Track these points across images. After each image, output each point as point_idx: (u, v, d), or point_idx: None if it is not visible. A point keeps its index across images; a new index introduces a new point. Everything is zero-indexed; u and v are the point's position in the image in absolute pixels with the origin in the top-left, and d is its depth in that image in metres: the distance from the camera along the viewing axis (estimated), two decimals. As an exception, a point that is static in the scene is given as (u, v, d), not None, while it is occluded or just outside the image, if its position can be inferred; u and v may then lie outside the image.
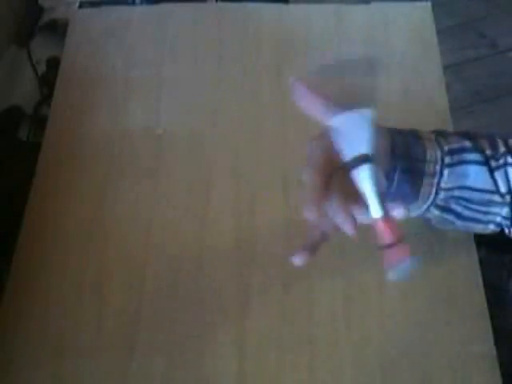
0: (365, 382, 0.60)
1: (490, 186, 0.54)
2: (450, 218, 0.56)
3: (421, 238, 0.67)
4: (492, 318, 0.61)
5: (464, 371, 0.59)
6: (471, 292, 0.63)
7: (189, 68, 0.81)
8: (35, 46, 0.88)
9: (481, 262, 0.65)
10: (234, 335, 0.62)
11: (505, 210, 0.55)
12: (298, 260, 0.50)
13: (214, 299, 0.64)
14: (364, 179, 0.46)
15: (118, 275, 0.66)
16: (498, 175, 0.54)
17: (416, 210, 0.57)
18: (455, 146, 0.54)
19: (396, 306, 0.63)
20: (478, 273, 0.64)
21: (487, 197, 0.55)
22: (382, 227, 0.46)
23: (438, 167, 0.53)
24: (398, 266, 0.47)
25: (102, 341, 0.62)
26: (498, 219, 0.56)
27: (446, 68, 0.81)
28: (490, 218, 0.56)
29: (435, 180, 0.53)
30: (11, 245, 0.68)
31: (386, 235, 0.46)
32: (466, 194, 0.54)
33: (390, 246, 0.46)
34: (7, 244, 0.68)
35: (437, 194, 0.54)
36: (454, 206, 0.55)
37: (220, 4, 0.94)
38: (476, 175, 0.54)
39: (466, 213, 0.56)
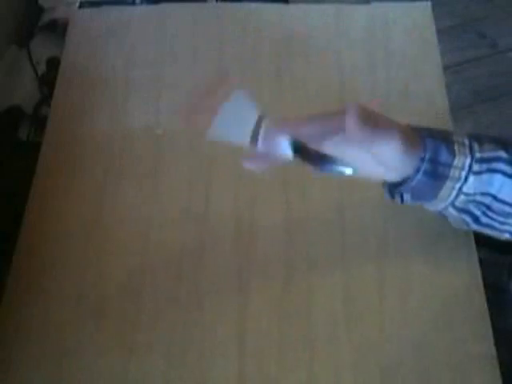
0: (365, 382, 0.60)
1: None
2: (467, 219, 0.56)
3: (421, 238, 0.67)
4: (492, 318, 0.61)
5: (464, 371, 0.59)
6: (471, 292, 0.63)
7: (189, 68, 0.81)
8: (35, 46, 0.88)
9: (481, 262, 0.65)
10: (234, 335, 0.62)
11: None
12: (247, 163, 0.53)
13: (214, 299, 0.64)
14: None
15: (118, 275, 0.66)
16: None
17: (432, 207, 0.56)
18: (489, 154, 0.53)
19: (396, 306, 0.63)
20: (478, 273, 0.64)
21: (508, 209, 0.54)
22: None
23: (463, 173, 0.52)
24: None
25: (101, 341, 0.62)
26: None
27: (446, 68, 0.81)
28: (506, 227, 0.56)
29: (458, 185, 0.52)
30: (11, 245, 0.68)
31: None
32: (488, 200, 0.53)
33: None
34: (7, 244, 0.68)
35: (457, 196, 0.53)
36: (472, 209, 0.54)
37: (220, 4, 0.94)
38: (501, 186, 0.53)
39: (484, 219, 0.55)
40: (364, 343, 0.61)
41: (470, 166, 0.52)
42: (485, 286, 0.63)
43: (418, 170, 0.52)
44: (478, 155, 0.52)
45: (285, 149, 0.51)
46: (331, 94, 0.78)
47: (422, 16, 0.85)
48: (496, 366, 0.59)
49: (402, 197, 0.55)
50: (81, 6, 0.89)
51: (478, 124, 1.69)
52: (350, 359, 0.61)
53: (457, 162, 0.52)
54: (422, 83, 0.79)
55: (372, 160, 0.52)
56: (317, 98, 0.78)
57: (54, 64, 0.84)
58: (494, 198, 0.53)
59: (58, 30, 0.89)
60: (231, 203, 0.70)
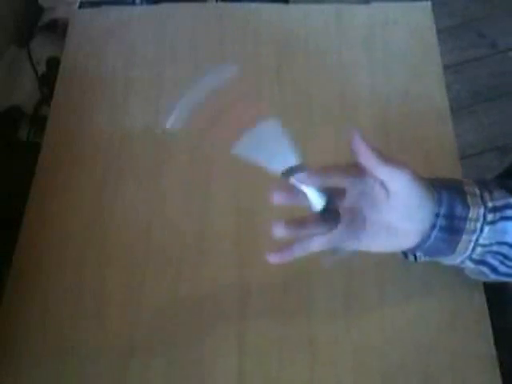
0: (365, 382, 0.60)
1: None
2: (485, 270, 0.55)
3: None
4: (492, 317, 0.61)
5: (464, 371, 0.59)
6: (471, 292, 0.63)
7: (189, 68, 0.81)
8: (35, 46, 0.88)
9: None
10: (234, 335, 0.62)
11: None
12: (278, 231, 0.53)
13: (214, 299, 0.64)
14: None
15: (118, 275, 0.66)
16: None
17: (449, 262, 0.56)
18: (500, 202, 0.52)
19: (396, 307, 0.63)
20: (478, 273, 0.64)
21: None
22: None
23: (479, 224, 0.51)
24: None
25: (102, 341, 0.62)
26: None
27: (446, 68, 0.81)
28: None
29: (474, 237, 0.52)
30: (11, 245, 0.68)
31: None
32: (505, 250, 0.53)
33: None
34: (7, 244, 0.68)
35: (474, 249, 0.53)
36: (490, 260, 0.54)
37: (220, 4, 0.94)
38: None
39: (502, 268, 0.54)
40: (364, 343, 0.61)
41: (485, 217, 0.51)
42: (485, 285, 0.63)
43: (434, 227, 0.51)
44: (489, 204, 0.52)
45: (316, 199, 0.52)
46: (331, 93, 0.78)
47: (422, 16, 0.85)
48: (496, 365, 0.59)
49: (415, 255, 0.56)
50: (81, 6, 0.89)
51: (478, 124, 1.69)
52: (350, 359, 0.61)
53: (471, 213, 0.51)
54: (421, 83, 0.79)
55: (387, 231, 0.52)
56: (317, 98, 0.78)
57: (54, 64, 0.84)
58: (509, 245, 0.52)
59: (58, 30, 0.89)
60: (231, 203, 0.70)
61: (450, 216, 0.51)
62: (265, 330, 0.62)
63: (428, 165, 0.71)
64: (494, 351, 0.60)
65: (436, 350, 0.61)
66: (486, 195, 0.52)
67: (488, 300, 0.62)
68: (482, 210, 0.51)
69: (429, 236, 0.52)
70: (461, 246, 0.52)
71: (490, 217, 0.51)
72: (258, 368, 0.60)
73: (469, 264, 0.55)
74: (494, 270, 0.55)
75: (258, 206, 0.70)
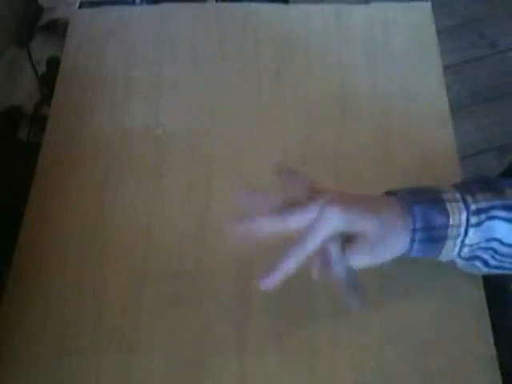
0: (365, 382, 0.60)
1: None
2: (477, 264, 0.56)
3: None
4: (492, 317, 0.61)
5: (464, 371, 0.59)
6: (471, 292, 0.63)
7: (189, 68, 0.81)
8: (35, 46, 0.88)
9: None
10: (234, 335, 0.62)
11: None
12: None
13: (214, 299, 0.64)
14: None
15: (118, 275, 0.66)
16: None
17: (439, 260, 0.57)
18: (484, 204, 0.52)
19: (396, 306, 0.63)
20: (478, 273, 0.64)
21: None
22: None
23: (462, 229, 0.52)
24: None
25: (101, 341, 0.62)
26: None
27: (446, 68, 0.81)
28: None
29: (459, 240, 0.53)
30: (11, 245, 0.68)
31: None
32: (494, 244, 0.53)
33: None
34: (7, 244, 0.68)
35: (461, 249, 0.54)
36: (481, 254, 0.54)
37: (220, 4, 0.94)
38: (504, 231, 0.52)
39: (493, 262, 0.55)
40: (364, 344, 0.61)
41: (468, 220, 0.52)
42: (485, 285, 0.63)
43: (412, 241, 0.52)
44: (473, 207, 0.52)
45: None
46: (331, 94, 0.78)
47: (422, 16, 0.85)
48: (496, 366, 0.59)
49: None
50: (81, 6, 0.89)
51: (478, 124, 1.69)
52: (350, 359, 0.61)
53: (452, 221, 0.52)
54: (421, 83, 0.79)
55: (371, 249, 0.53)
56: (317, 98, 0.78)
57: (54, 64, 0.84)
58: (500, 242, 0.53)
59: (58, 30, 0.89)
60: (231, 203, 0.70)
61: (427, 228, 0.52)
62: (265, 330, 0.62)
63: (428, 165, 0.71)
64: (493, 351, 0.60)
65: (436, 350, 0.61)
66: (469, 198, 0.53)
67: (488, 300, 0.62)
68: (464, 215, 0.52)
69: (411, 247, 0.53)
70: (446, 249, 0.53)
71: (473, 219, 0.52)
72: (257, 368, 0.60)
73: (459, 261, 0.56)
74: (485, 263, 0.55)
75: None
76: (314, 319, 0.63)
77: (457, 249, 0.54)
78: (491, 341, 0.61)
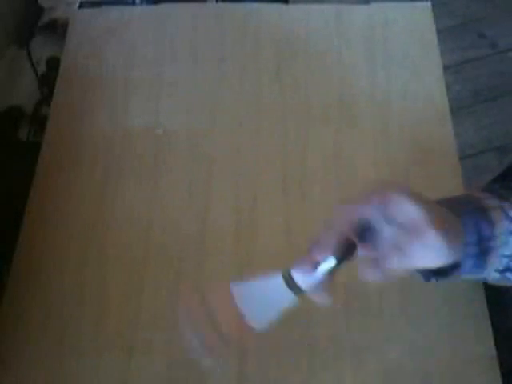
0: (364, 382, 0.60)
1: None
2: (509, 276, 0.52)
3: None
4: (492, 318, 0.61)
5: (464, 371, 0.59)
6: (471, 292, 0.63)
7: (189, 68, 0.81)
8: (35, 46, 0.88)
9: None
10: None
11: None
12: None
13: (214, 299, 0.64)
14: None
15: (118, 275, 0.66)
16: None
17: (474, 278, 0.53)
18: None
19: (396, 307, 0.63)
20: (478, 273, 0.64)
21: None
22: None
23: (504, 237, 0.48)
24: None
25: (102, 341, 0.62)
26: None
27: (446, 68, 0.81)
28: None
29: (501, 251, 0.49)
30: (11, 245, 0.68)
31: None
32: None
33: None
34: (7, 244, 0.68)
35: (500, 262, 0.50)
36: None
37: (220, 4, 0.94)
38: None
39: None
40: (364, 343, 0.61)
41: (509, 229, 0.48)
42: (485, 286, 0.63)
43: (466, 257, 0.47)
44: (511, 214, 0.48)
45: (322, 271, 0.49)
46: (331, 93, 0.78)
47: (422, 16, 0.85)
48: (496, 366, 0.59)
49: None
50: (81, 5, 0.89)
51: (478, 124, 1.69)
52: (350, 359, 0.61)
53: (497, 230, 0.48)
54: (422, 83, 0.79)
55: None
56: (317, 98, 0.78)
57: (54, 64, 0.84)
58: None
59: (58, 30, 0.89)
60: (231, 203, 0.70)
61: (479, 241, 0.48)
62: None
63: (428, 165, 0.71)
64: (494, 351, 0.60)
65: (436, 350, 0.61)
66: (506, 205, 0.49)
67: (488, 300, 0.62)
68: (506, 223, 0.48)
69: (464, 266, 0.48)
70: (491, 263, 0.49)
71: None
72: (257, 368, 0.60)
73: (494, 275, 0.52)
74: None
75: (258, 205, 0.70)
76: (314, 319, 0.63)
77: (498, 260, 0.49)
78: (491, 341, 0.61)
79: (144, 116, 0.77)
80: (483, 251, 0.48)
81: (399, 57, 0.81)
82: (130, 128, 0.76)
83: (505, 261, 0.50)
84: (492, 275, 0.52)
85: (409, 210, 0.44)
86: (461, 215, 0.47)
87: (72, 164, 0.74)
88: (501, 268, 0.51)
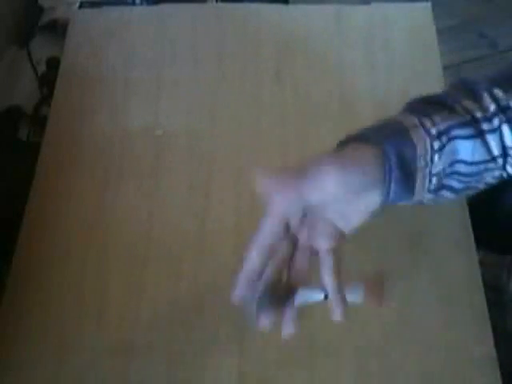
0: (365, 382, 0.60)
1: (484, 156, 0.50)
2: (445, 194, 0.52)
3: (421, 238, 0.67)
4: (492, 318, 0.61)
5: (464, 372, 0.59)
6: (471, 292, 0.63)
7: (189, 68, 0.81)
8: (35, 46, 0.88)
9: (481, 262, 0.65)
10: (234, 335, 0.62)
11: (496, 173, 0.52)
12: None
13: (214, 299, 0.64)
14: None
15: (118, 275, 0.66)
16: (491, 139, 0.49)
17: (409, 202, 0.52)
18: (443, 126, 0.49)
19: (396, 307, 0.63)
20: (478, 273, 0.64)
21: (482, 167, 0.50)
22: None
23: (428, 157, 0.48)
24: None
25: (102, 341, 0.62)
26: (490, 181, 0.53)
27: (446, 68, 0.81)
28: (482, 182, 0.53)
29: (427, 170, 0.49)
30: (11, 245, 0.68)
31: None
32: (458, 168, 0.50)
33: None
34: (7, 244, 0.68)
35: (430, 181, 0.50)
36: (447, 183, 0.51)
37: (220, 4, 0.94)
38: (467, 149, 0.49)
39: (461, 186, 0.52)
40: (364, 343, 0.61)
41: (432, 146, 0.48)
42: (485, 286, 0.63)
43: (389, 182, 0.47)
44: (433, 131, 0.48)
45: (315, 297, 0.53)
46: (331, 93, 0.78)
47: (422, 16, 0.85)
48: (496, 367, 0.59)
49: None
50: (81, 6, 0.89)
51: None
52: (350, 359, 0.61)
53: (419, 150, 0.47)
54: (422, 83, 0.78)
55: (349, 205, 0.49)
56: (317, 98, 0.78)
57: (54, 64, 0.84)
58: (463, 162, 0.50)
59: (58, 30, 0.89)
60: (231, 203, 0.70)
61: (402, 164, 0.47)
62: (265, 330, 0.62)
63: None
64: (494, 352, 0.60)
65: (436, 351, 0.61)
66: (426, 121, 0.49)
67: (488, 300, 0.62)
68: (428, 141, 0.48)
69: (388, 193, 0.48)
70: (418, 184, 0.49)
71: (436, 144, 0.48)
72: (257, 368, 0.60)
73: (428, 196, 0.52)
74: (453, 190, 0.52)
75: (258, 205, 0.70)
76: (313, 319, 0.63)
77: (427, 181, 0.49)
78: (491, 342, 0.61)
79: (144, 116, 0.77)
80: (408, 173, 0.48)
81: (399, 57, 0.81)
82: (129, 128, 0.76)
83: (434, 179, 0.50)
84: (426, 197, 0.52)
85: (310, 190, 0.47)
86: (382, 143, 0.48)
87: (72, 164, 0.74)
88: (433, 188, 0.51)
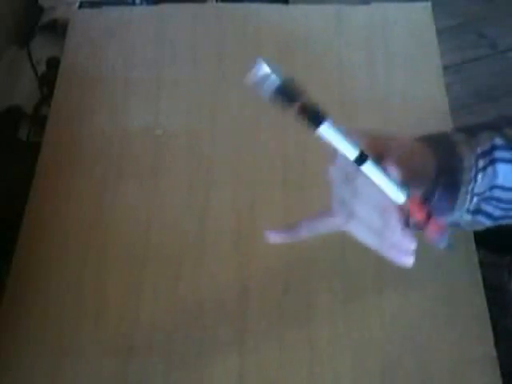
0: (364, 382, 0.60)
1: None
2: (481, 219, 0.53)
3: (420, 238, 0.67)
4: (492, 318, 0.61)
5: (464, 372, 0.59)
6: (471, 292, 0.63)
7: (189, 68, 0.81)
8: (35, 46, 0.88)
9: (481, 262, 0.65)
10: (234, 335, 0.62)
11: None
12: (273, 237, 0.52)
13: (214, 299, 0.64)
14: (373, 173, 0.46)
15: (118, 275, 0.66)
16: None
17: (448, 219, 0.53)
18: (487, 146, 0.50)
19: (396, 307, 0.63)
20: (478, 273, 0.64)
21: None
22: (409, 208, 0.46)
23: (472, 174, 0.49)
24: (440, 238, 0.48)
25: (101, 341, 0.62)
26: None
27: (446, 68, 0.81)
28: None
29: (470, 187, 0.50)
30: (11, 245, 0.68)
31: (416, 214, 0.46)
32: (496, 193, 0.51)
33: (423, 222, 0.47)
34: (7, 244, 0.68)
35: (471, 201, 0.51)
36: (484, 207, 0.52)
37: (220, 4, 0.94)
38: (505, 174, 0.50)
39: (497, 212, 0.53)
40: (364, 344, 0.61)
41: (477, 164, 0.50)
42: (485, 286, 0.63)
43: (436, 185, 0.48)
44: (478, 150, 0.50)
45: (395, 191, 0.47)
46: (331, 94, 0.78)
47: (422, 16, 0.85)
48: (496, 366, 0.59)
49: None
50: (81, 6, 0.89)
51: (478, 124, 1.68)
52: (349, 359, 0.60)
53: (466, 163, 0.49)
54: (421, 83, 0.79)
55: None
56: (317, 98, 0.78)
57: (54, 64, 0.84)
58: (502, 188, 0.51)
59: (58, 30, 0.89)
60: (231, 203, 0.70)
61: (451, 169, 0.48)
62: (265, 330, 0.62)
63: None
64: (494, 352, 0.60)
65: (436, 350, 0.61)
66: (472, 141, 0.50)
67: (488, 300, 0.62)
68: (473, 158, 0.49)
69: (433, 195, 0.48)
70: (460, 199, 0.50)
71: (481, 163, 0.49)
72: (257, 368, 0.60)
73: (466, 217, 0.53)
74: (489, 216, 0.53)
75: (258, 206, 0.70)
76: (313, 319, 0.63)
77: (468, 198, 0.50)
78: (491, 341, 0.60)
79: (144, 116, 0.77)
80: (454, 181, 0.49)
81: (399, 57, 0.81)
82: (129, 128, 0.76)
83: (475, 199, 0.50)
84: (464, 217, 0.52)
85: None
86: (438, 148, 0.49)
87: (72, 164, 0.74)
88: (472, 209, 0.51)
